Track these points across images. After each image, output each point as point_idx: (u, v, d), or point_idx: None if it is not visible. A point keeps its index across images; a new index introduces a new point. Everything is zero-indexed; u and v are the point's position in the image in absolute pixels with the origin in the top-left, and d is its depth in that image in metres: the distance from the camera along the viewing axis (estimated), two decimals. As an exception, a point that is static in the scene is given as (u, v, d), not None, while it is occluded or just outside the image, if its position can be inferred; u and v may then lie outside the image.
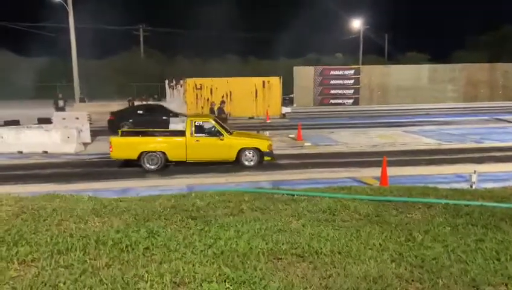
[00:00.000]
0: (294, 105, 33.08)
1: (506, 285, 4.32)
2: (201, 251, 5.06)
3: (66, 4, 28.28)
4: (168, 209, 6.80)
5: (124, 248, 5.11)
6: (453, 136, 16.66)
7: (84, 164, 12.56)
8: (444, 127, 19.53)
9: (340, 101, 35.43)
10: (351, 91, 35.54)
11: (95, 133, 17.68)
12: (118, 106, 25.75)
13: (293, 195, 7.72)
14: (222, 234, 5.59)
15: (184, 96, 26.52)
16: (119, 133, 12.00)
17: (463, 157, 12.58)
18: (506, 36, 54.81)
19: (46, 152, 14.01)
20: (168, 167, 11.59)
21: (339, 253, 5.02)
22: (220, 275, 4.45)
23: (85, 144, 15.36)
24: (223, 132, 11.63)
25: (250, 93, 26.23)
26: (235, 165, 11.69)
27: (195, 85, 26.12)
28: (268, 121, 24.20)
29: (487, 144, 14.92)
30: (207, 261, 4.77)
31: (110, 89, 46.23)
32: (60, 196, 7.72)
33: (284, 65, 48.00)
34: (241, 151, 11.62)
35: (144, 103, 23.73)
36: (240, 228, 5.82)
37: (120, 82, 47.45)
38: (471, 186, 8.72)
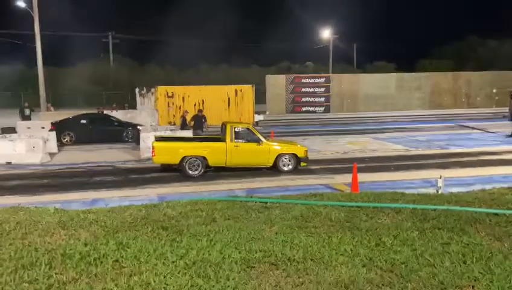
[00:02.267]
0: (267, 113, 33.28)
1: (472, 287, 4.45)
2: (173, 262, 4.97)
3: (32, 10, 27.51)
4: (139, 220, 6.67)
5: (92, 261, 4.96)
6: (420, 143, 17.16)
7: (51, 174, 12.15)
8: (411, 134, 20.09)
9: (311, 108, 35.90)
10: (322, 99, 36.10)
11: (62, 143, 17.17)
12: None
13: (266, 203, 7.74)
14: (194, 244, 5.53)
15: (155, 105, 26.19)
16: (154, 138, 11.99)
17: (430, 163, 12.97)
18: (469, 46, 57.30)
19: (10, 163, 13.47)
20: (207, 172, 11.45)
21: (312, 260, 5.06)
22: (192, 286, 4.39)
23: (51, 154, 14.87)
24: (261, 138, 11.85)
25: (223, 102, 26.20)
26: (209, 173, 11.61)
27: (167, 93, 25.84)
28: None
29: (452, 149, 15.45)
30: (179, 273, 4.69)
31: (79, 97, 45.16)
32: (24, 209, 7.45)
33: (256, 73, 48.35)
34: (278, 157, 11.82)
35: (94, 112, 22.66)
36: (212, 237, 5.77)
37: (89, 90, 46.41)
38: (438, 191, 8.98)
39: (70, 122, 18.62)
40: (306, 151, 12.10)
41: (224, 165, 11.73)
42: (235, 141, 11.67)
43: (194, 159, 11.46)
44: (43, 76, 28.34)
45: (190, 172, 11.43)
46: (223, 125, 12.29)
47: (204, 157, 11.49)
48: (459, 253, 5.26)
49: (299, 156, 11.90)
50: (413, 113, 33.55)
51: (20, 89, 42.32)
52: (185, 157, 11.43)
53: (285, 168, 11.86)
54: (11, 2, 28.46)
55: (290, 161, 11.89)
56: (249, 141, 11.77)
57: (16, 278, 4.57)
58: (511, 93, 20.42)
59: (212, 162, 11.60)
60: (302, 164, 11.96)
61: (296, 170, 11.91)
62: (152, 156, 11.63)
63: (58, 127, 17.70)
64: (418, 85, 37.64)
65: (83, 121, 18.55)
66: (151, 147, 14.13)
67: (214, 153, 11.58)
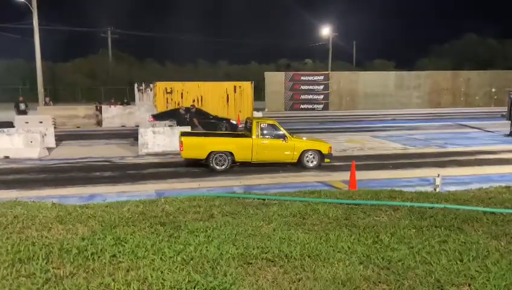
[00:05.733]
0: (266, 110, 33.27)
1: (469, 285, 4.47)
2: (170, 257, 4.97)
3: (30, 5, 27.37)
4: (136, 215, 6.66)
5: (90, 256, 4.96)
6: (418, 141, 17.18)
7: (49, 169, 12.13)
8: (409, 132, 20.11)
9: (310, 106, 35.89)
10: (321, 97, 36.08)
11: (60, 138, 17.13)
12: (85, 109, 25.12)
13: (264, 199, 7.74)
14: (192, 239, 5.52)
15: (154, 100, 26.13)
16: (180, 134, 12.17)
17: (427, 162, 13.00)
18: (468, 45, 57.30)
19: (7, 157, 13.44)
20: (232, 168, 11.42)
21: (309, 256, 5.06)
22: (189, 281, 4.39)
23: (49, 149, 14.83)
24: (287, 134, 11.96)
25: (222, 98, 26.15)
26: (209, 169, 11.61)
27: (166, 89, 25.76)
28: (240, 126, 24.19)
29: (450, 148, 15.48)
30: (176, 268, 4.69)
31: (77, 92, 45.08)
32: (21, 203, 7.42)
33: (255, 70, 48.30)
34: (303, 153, 11.92)
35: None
36: (210, 233, 5.77)
37: (87, 85, 46.31)
38: (435, 190, 9.00)
39: (170, 115, 19.04)
40: (330, 148, 12.19)
41: (250, 161, 11.86)
42: (261, 137, 11.81)
43: (221, 154, 11.60)
44: (42, 70, 28.27)
45: (217, 167, 11.59)
46: (249, 121, 12.51)
47: (231, 153, 11.64)
48: (456, 251, 5.27)
49: (323, 152, 12.00)
50: (412, 111, 33.59)
51: (19, 84, 42.14)
52: (212, 152, 11.56)
53: (310, 164, 11.97)
54: (10, -5, 28.26)
55: (314, 157, 11.99)
56: (274, 137, 11.90)
57: (12, 271, 4.56)
58: (510, 92, 20.43)
59: (238, 157, 11.74)
60: (326, 160, 12.06)
61: (299, 167, 11.92)
62: (180, 150, 11.80)
63: (158, 119, 18.25)
64: (417, 84, 37.66)
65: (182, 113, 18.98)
66: (147, 143, 14.24)
67: (240, 148, 11.72)
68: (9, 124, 17.42)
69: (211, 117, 20.11)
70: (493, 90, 37.71)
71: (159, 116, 19.00)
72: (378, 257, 5.07)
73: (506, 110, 20.11)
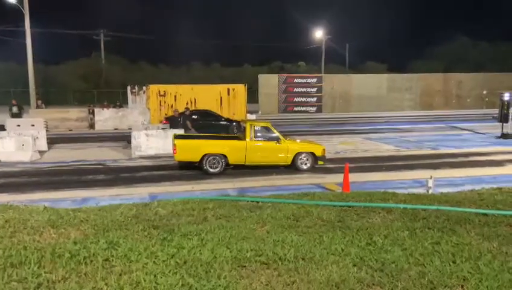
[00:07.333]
0: (259, 112, 33.29)
1: (462, 286, 4.49)
2: (164, 261, 4.95)
3: (22, 7, 27.19)
4: (129, 218, 6.63)
5: (82, 260, 4.92)
6: (411, 143, 17.28)
7: (40, 173, 12.02)
8: (402, 134, 20.23)
9: (303, 108, 35.97)
10: (314, 99, 36.18)
11: (52, 141, 17.00)
12: (77, 112, 24.97)
13: (258, 202, 7.74)
14: (185, 243, 5.50)
15: (147, 103, 26.03)
16: (174, 136, 12.12)
17: (420, 163, 13.07)
18: (461, 48, 57.82)
19: (-2, 161, 13.31)
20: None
21: (303, 259, 5.06)
22: (183, 285, 4.37)
23: (41, 152, 14.71)
24: (280, 136, 11.98)
25: (215, 101, 26.08)
26: (202, 172, 11.58)
27: (159, 92, 25.65)
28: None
29: (443, 150, 15.58)
30: (169, 272, 4.67)
31: (69, 95, 44.81)
32: (13, 207, 7.36)
33: (248, 73, 48.37)
34: (296, 155, 11.94)
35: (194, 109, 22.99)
36: (203, 237, 5.75)
37: (80, 88, 46.06)
38: (428, 191, 9.05)
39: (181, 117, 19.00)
40: (324, 150, 12.23)
41: (243, 163, 11.85)
42: (255, 139, 11.82)
43: (215, 156, 11.58)
44: (34, 73, 28.08)
45: (210, 170, 11.56)
46: (242, 124, 12.50)
47: (224, 155, 11.63)
48: (448, 253, 5.30)
49: (316, 154, 12.04)
50: (405, 114, 33.76)
51: (10, 86, 41.77)
52: (205, 155, 11.54)
53: (304, 167, 12.01)
54: (1, -2, 28.06)
55: (307, 159, 12.03)
56: (268, 140, 11.93)
57: (4, 276, 4.51)
58: (501, 94, 20.63)
59: (232, 160, 11.73)
60: (320, 162, 12.11)
61: (293, 170, 11.93)
62: (173, 153, 11.77)
63: (172, 122, 18.19)
64: (409, 86, 37.89)
65: (194, 116, 18.88)
66: (141, 145, 14.18)
67: (233, 151, 11.72)
68: (1, 127, 17.28)
69: (223, 119, 20.31)
70: (485, 92, 38.03)
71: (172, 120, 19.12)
72: (371, 258, 5.09)
73: (498, 112, 20.30)
